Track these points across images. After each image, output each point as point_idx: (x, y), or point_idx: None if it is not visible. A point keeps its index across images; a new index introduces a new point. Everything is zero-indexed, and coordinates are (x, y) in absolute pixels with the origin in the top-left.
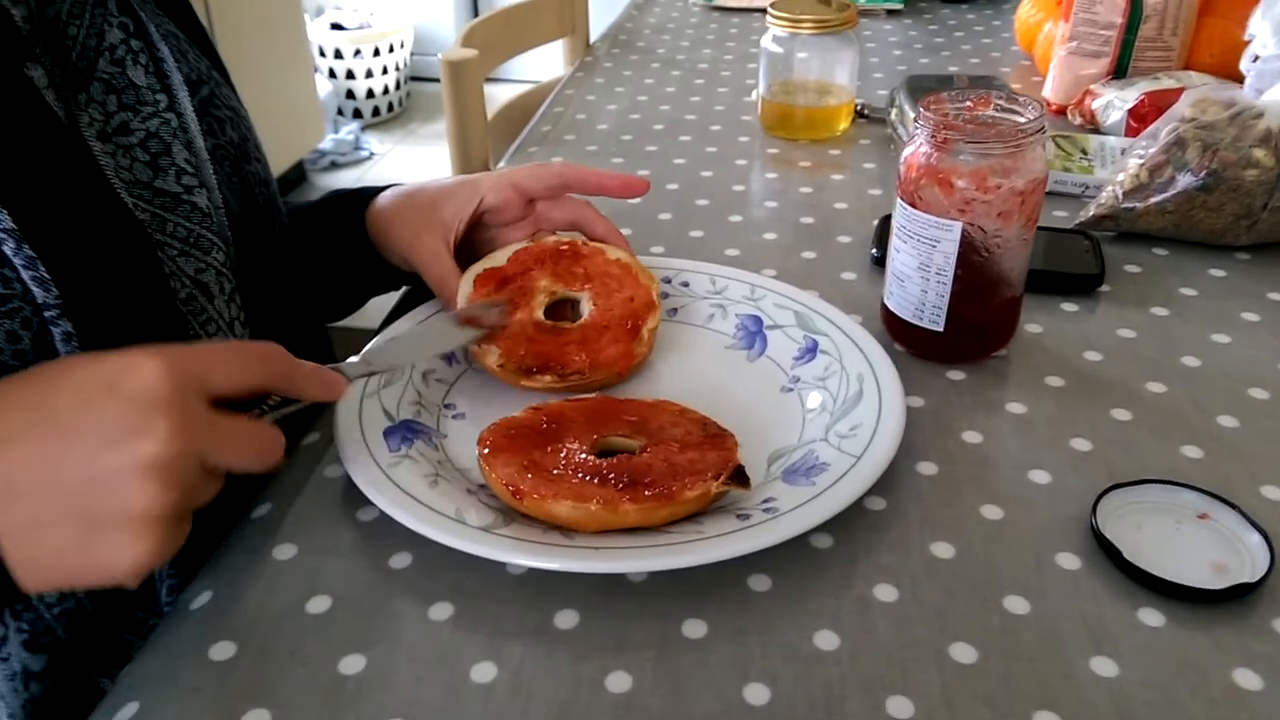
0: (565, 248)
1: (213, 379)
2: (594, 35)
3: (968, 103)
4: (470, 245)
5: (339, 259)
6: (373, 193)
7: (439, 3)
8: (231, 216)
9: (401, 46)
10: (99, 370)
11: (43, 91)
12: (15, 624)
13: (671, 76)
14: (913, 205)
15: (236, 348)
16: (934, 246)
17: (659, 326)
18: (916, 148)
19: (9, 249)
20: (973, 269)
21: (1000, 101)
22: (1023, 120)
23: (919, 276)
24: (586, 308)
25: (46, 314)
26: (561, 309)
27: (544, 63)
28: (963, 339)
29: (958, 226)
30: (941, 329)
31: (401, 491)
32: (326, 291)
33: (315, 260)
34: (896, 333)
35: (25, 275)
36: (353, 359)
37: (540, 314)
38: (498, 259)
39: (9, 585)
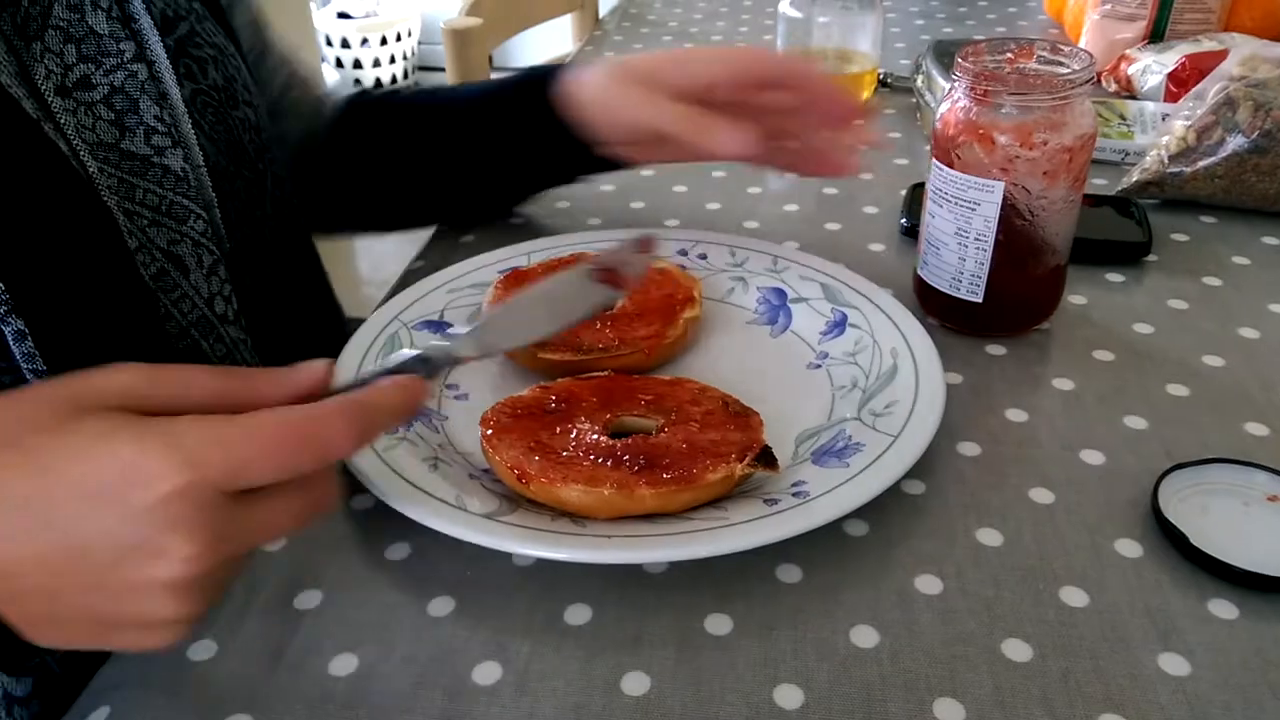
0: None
1: (242, 479)
2: (603, 10)
3: (1009, 54)
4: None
5: (513, 150)
6: (546, 75)
7: None
8: (216, 174)
9: (409, 35)
10: (97, 468)
11: None
12: None
13: (684, 48)
14: (949, 165)
15: (276, 431)
16: (974, 210)
17: (698, 318)
18: (954, 103)
19: None
20: (1015, 234)
21: (1044, 52)
22: (1068, 71)
23: (956, 243)
24: (621, 301)
25: None
26: None
27: (553, 45)
28: (1003, 311)
29: (999, 187)
30: (980, 299)
31: (399, 477)
32: (477, 191)
33: (469, 156)
34: (930, 306)
35: None
36: (459, 332)
37: None
38: (529, 260)
39: (21, 649)
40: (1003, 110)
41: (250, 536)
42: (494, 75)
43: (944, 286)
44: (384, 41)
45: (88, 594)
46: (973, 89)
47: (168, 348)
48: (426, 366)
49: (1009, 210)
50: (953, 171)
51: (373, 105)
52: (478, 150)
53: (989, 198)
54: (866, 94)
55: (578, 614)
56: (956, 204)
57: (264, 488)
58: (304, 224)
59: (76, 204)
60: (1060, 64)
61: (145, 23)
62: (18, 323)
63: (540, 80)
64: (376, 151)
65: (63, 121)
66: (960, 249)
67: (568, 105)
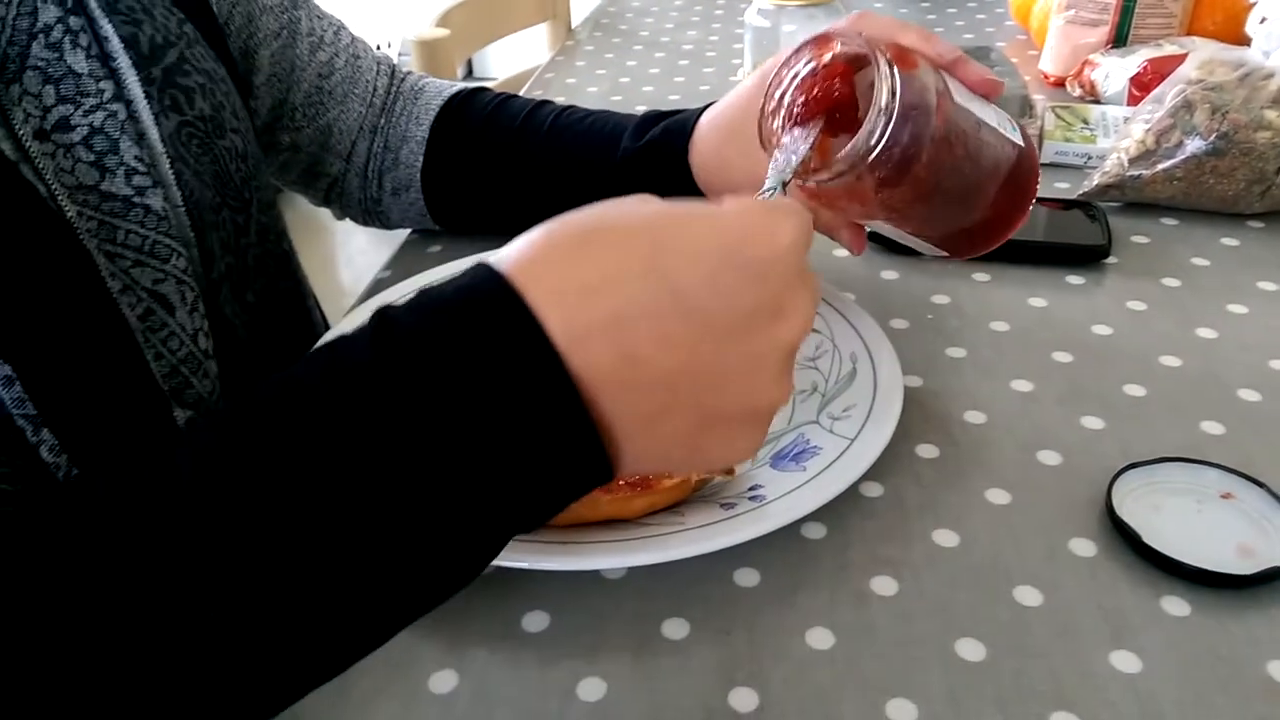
0: None
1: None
2: (576, 20)
3: (805, 70)
4: None
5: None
6: (684, 132)
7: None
8: (201, 207)
9: (389, 46)
10: (719, 233)
11: None
12: None
13: (655, 59)
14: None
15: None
16: (879, 227)
17: None
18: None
19: None
20: (928, 220)
21: (844, 42)
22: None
23: (893, 235)
24: None
25: None
26: None
27: (525, 55)
28: (977, 242)
29: (878, 223)
30: (947, 254)
31: None
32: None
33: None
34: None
35: None
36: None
37: None
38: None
39: (604, 473)
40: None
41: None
42: (529, 94)
43: (913, 248)
44: None
45: (703, 378)
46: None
47: (155, 389)
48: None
49: (904, 219)
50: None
51: (484, 111)
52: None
53: (880, 226)
54: None
55: (535, 621)
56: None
57: None
58: (288, 247)
59: (55, 247)
60: (854, 38)
61: (123, 60)
62: (4, 367)
63: (677, 137)
64: (493, 167)
65: (40, 165)
66: (900, 238)
67: (695, 166)
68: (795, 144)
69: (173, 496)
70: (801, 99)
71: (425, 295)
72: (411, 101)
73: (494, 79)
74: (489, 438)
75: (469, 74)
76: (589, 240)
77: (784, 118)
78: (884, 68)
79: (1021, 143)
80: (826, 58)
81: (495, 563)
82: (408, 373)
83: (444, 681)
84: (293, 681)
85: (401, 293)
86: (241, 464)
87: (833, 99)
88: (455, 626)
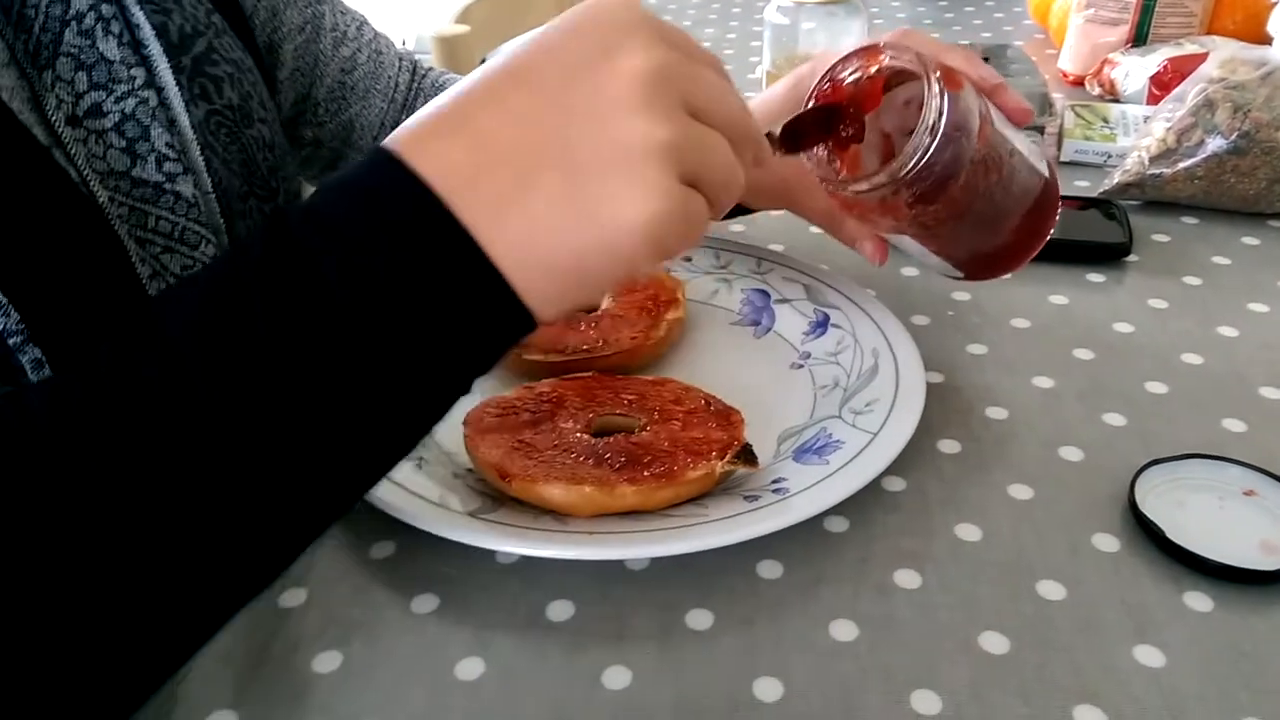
0: None
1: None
2: None
3: (853, 72)
4: None
5: None
6: None
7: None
8: (229, 196)
9: (403, 44)
10: (550, 27)
11: (1, 71)
12: None
13: None
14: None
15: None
16: (900, 242)
17: (682, 320)
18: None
19: None
20: (953, 239)
21: (892, 55)
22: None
23: (914, 252)
24: (606, 302)
25: (10, 341)
26: None
27: None
28: (993, 267)
29: (904, 239)
30: (963, 276)
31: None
32: None
33: None
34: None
35: None
36: None
37: None
38: None
39: (505, 295)
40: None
41: (695, 86)
42: None
43: (928, 267)
44: None
45: (553, 131)
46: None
47: None
48: None
49: (930, 236)
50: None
51: None
52: None
53: (903, 241)
54: None
55: (560, 610)
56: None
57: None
58: None
59: (86, 232)
60: (904, 53)
61: (155, 47)
62: (35, 351)
63: None
64: None
65: (73, 151)
66: (921, 256)
67: None
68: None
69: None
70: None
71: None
72: (433, 96)
73: None
74: (365, 264)
75: None
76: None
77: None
78: (934, 86)
79: (1047, 173)
80: (872, 70)
81: (519, 552)
82: (286, 224)
83: (470, 669)
84: (284, 530)
85: None
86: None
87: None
88: (480, 616)
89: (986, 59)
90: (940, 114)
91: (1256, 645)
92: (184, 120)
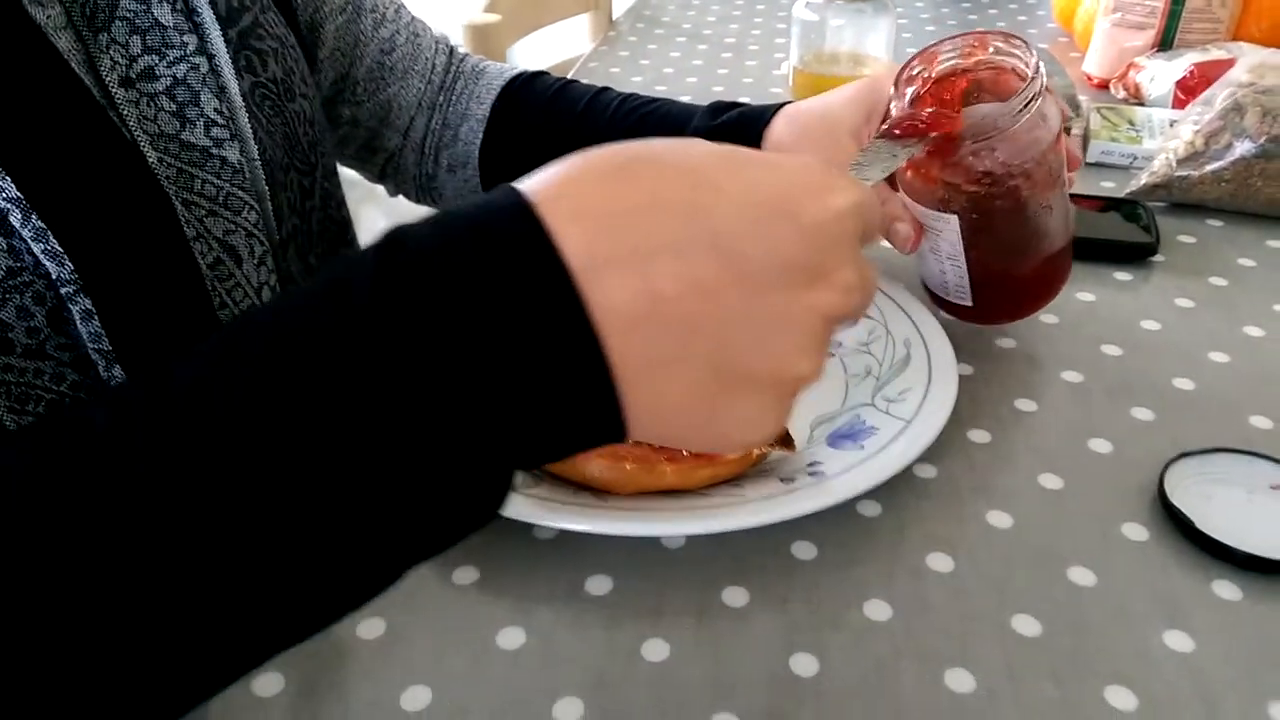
0: None
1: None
2: (618, 11)
3: (957, 51)
4: None
5: None
6: (762, 118)
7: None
8: (271, 166)
9: None
10: (774, 179)
11: (57, 33)
12: None
13: (698, 50)
14: (908, 194)
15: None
16: (939, 235)
17: None
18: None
19: (15, 220)
20: (991, 244)
21: (998, 44)
22: (992, 111)
23: (933, 259)
24: None
25: (63, 290)
26: None
27: (566, 45)
28: (999, 304)
29: (953, 220)
30: (970, 303)
31: None
32: None
33: None
34: (935, 300)
35: (35, 248)
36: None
37: None
38: None
39: (610, 411)
40: (948, 154)
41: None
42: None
43: (937, 290)
44: None
45: (728, 327)
46: (897, 128)
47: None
48: None
49: (973, 232)
50: (910, 200)
51: (544, 95)
52: None
53: (948, 227)
54: None
55: (599, 584)
56: (924, 226)
57: None
58: (347, 215)
59: (137, 191)
60: (1015, 56)
61: (207, 16)
62: (85, 301)
63: (752, 124)
64: (554, 146)
65: (125, 112)
66: (938, 263)
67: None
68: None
69: (157, 435)
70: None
71: (444, 213)
72: (473, 81)
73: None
74: (491, 364)
75: None
76: (627, 168)
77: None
78: (1038, 66)
79: (1072, 232)
80: (970, 61)
81: (559, 526)
82: (408, 294)
83: (512, 638)
84: (298, 621)
85: None
86: (232, 392)
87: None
88: (521, 588)
89: (977, 43)
90: (1041, 92)
91: None
92: (233, 87)
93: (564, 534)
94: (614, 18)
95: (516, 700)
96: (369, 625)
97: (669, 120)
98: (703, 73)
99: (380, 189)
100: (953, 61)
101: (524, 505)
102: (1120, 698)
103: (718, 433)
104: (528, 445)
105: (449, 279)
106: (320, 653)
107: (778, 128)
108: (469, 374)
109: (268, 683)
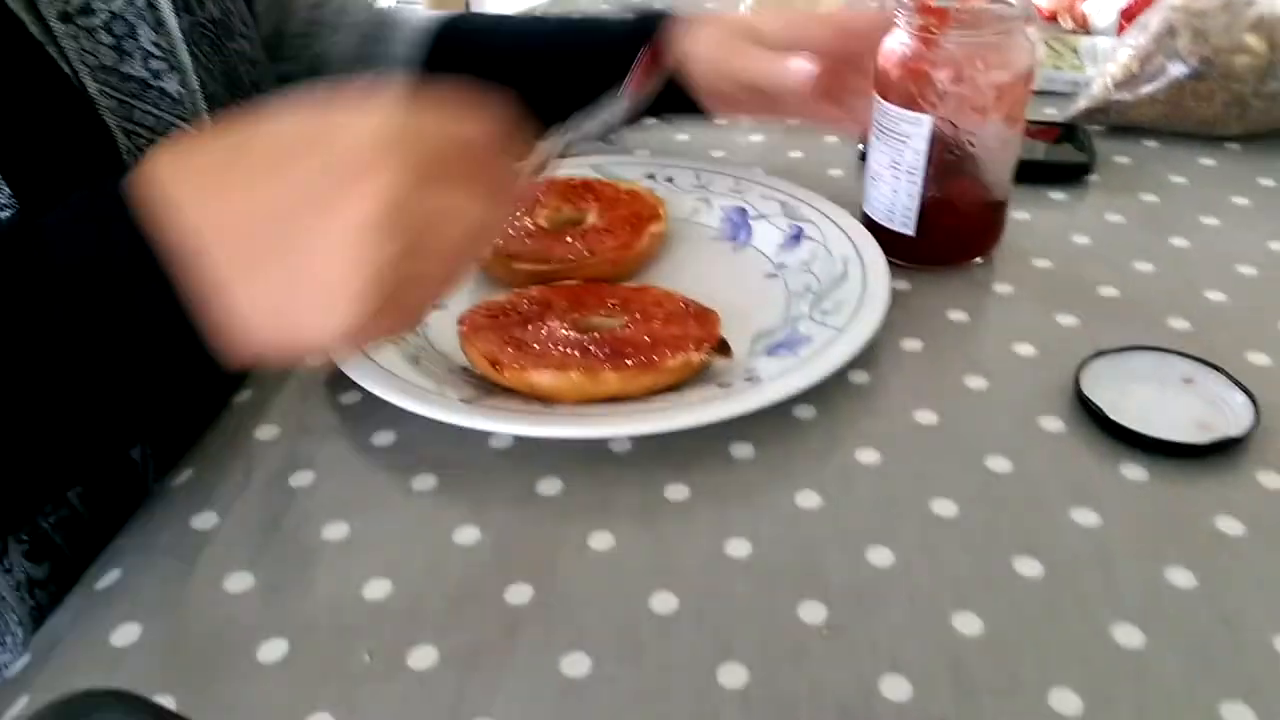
0: (577, 183)
1: (435, 159)
2: None
3: None
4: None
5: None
6: (658, 23)
7: None
8: (213, 101)
9: None
10: (326, 126)
11: None
12: (14, 537)
13: None
14: (885, 99)
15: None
16: (904, 143)
17: (663, 234)
18: (894, 38)
19: None
20: (945, 168)
21: None
22: (1000, 8)
23: (890, 175)
24: (591, 219)
25: (1, 214)
26: None
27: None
28: (936, 244)
29: (927, 120)
30: (912, 232)
31: (382, 369)
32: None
33: (578, 94)
34: (874, 231)
35: None
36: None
37: (542, 223)
38: None
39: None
40: (936, 47)
41: (432, 246)
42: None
43: (880, 219)
44: None
45: (281, 226)
46: (909, 24)
47: None
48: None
49: (939, 145)
50: (887, 104)
51: (472, 34)
52: (587, 89)
53: (917, 131)
54: None
55: (549, 486)
56: (890, 136)
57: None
58: None
59: (78, 122)
60: (1004, 2)
61: None
62: None
63: (653, 28)
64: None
65: (65, 45)
66: (894, 181)
67: (680, 57)
68: None
69: None
70: None
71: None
72: (402, 29)
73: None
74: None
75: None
76: (230, 147)
77: None
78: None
79: (1009, 194)
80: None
81: (511, 432)
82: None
83: (467, 535)
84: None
85: None
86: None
87: None
88: (476, 491)
89: None
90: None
91: (1185, 508)
92: (171, 21)
93: (516, 443)
94: None
95: (472, 589)
96: (333, 528)
97: (596, 39)
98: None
99: None
100: None
101: (477, 414)
102: (1027, 566)
103: (298, 325)
104: (167, 309)
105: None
106: (287, 554)
107: (706, 38)
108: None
109: (238, 580)
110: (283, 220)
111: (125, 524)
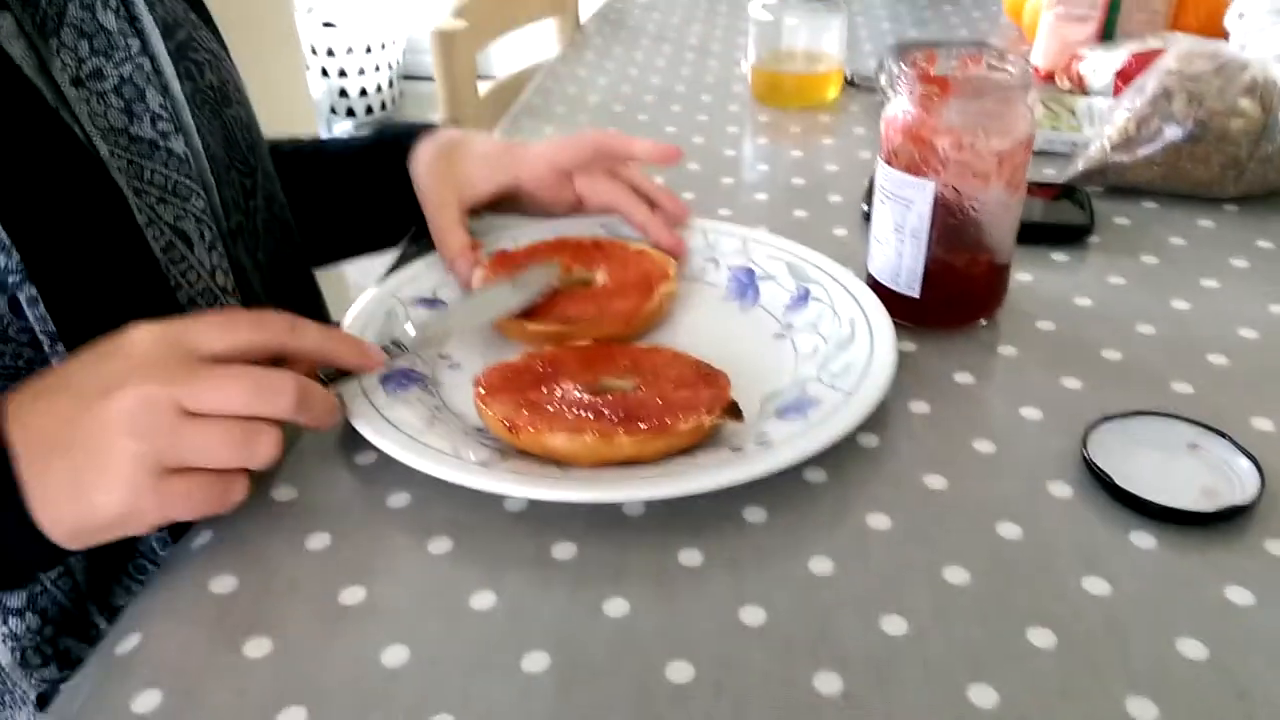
0: (588, 243)
1: (194, 337)
2: (585, 15)
3: (955, 60)
4: (518, 209)
5: (380, 198)
6: (415, 137)
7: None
8: (213, 161)
9: (394, 44)
10: (108, 341)
11: (10, 42)
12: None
13: (662, 51)
14: (889, 164)
15: (226, 311)
16: (909, 207)
17: (673, 294)
18: (898, 105)
19: None
20: (950, 232)
21: (992, 60)
22: (1002, 78)
23: (895, 239)
24: (601, 279)
25: (10, 279)
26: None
27: (536, 49)
28: (941, 306)
29: (930, 186)
30: (917, 294)
31: (399, 431)
32: (369, 224)
33: (357, 196)
34: (879, 294)
35: None
36: (409, 330)
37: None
38: (515, 243)
39: (30, 527)
40: (938, 115)
41: (192, 387)
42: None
43: (886, 280)
44: (369, 50)
45: (66, 427)
46: (912, 91)
47: (178, 315)
48: (407, 342)
49: (942, 209)
50: (892, 169)
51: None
52: (352, 201)
53: (921, 195)
54: (833, 92)
55: (564, 550)
56: (895, 200)
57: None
58: (290, 218)
59: (90, 183)
60: (1004, 71)
61: (147, 21)
62: (30, 289)
63: (403, 147)
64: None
65: (77, 109)
66: (899, 244)
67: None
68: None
69: None
70: None
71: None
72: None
73: (493, 77)
74: None
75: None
76: (45, 389)
77: None
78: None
79: (1011, 257)
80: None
81: (526, 496)
82: None
83: (483, 600)
84: None
85: (411, 274)
86: None
87: None
88: (491, 555)
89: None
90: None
91: (1195, 576)
92: (175, 86)
93: (531, 506)
94: (581, 22)
95: (488, 655)
96: (350, 592)
97: (334, 166)
98: (666, 74)
99: None
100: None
101: (494, 478)
102: (1040, 637)
103: (91, 506)
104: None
105: None
106: (304, 617)
107: (425, 150)
108: None
109: (256, 646)
110: (67, 421)
111: (144, 586)
